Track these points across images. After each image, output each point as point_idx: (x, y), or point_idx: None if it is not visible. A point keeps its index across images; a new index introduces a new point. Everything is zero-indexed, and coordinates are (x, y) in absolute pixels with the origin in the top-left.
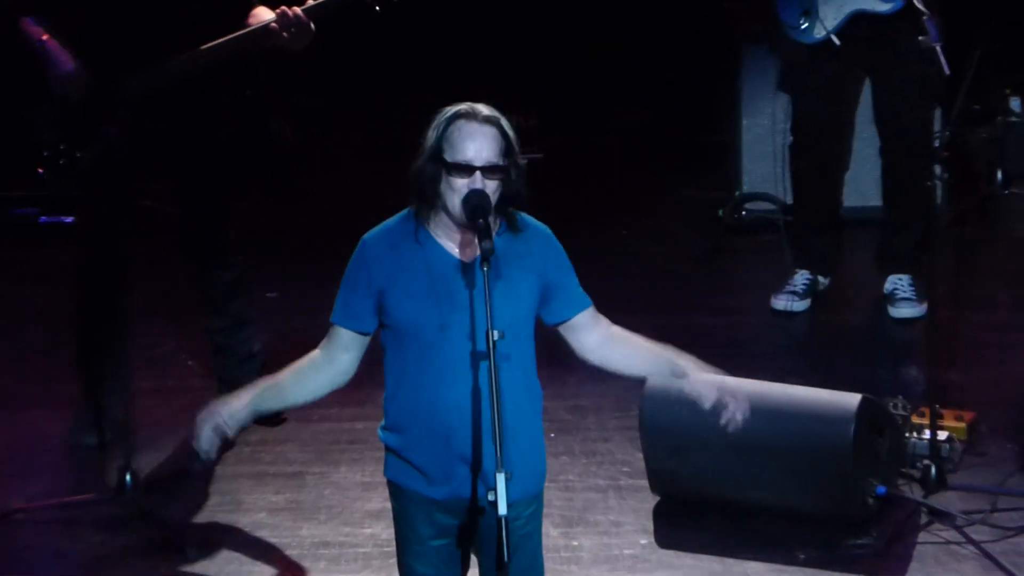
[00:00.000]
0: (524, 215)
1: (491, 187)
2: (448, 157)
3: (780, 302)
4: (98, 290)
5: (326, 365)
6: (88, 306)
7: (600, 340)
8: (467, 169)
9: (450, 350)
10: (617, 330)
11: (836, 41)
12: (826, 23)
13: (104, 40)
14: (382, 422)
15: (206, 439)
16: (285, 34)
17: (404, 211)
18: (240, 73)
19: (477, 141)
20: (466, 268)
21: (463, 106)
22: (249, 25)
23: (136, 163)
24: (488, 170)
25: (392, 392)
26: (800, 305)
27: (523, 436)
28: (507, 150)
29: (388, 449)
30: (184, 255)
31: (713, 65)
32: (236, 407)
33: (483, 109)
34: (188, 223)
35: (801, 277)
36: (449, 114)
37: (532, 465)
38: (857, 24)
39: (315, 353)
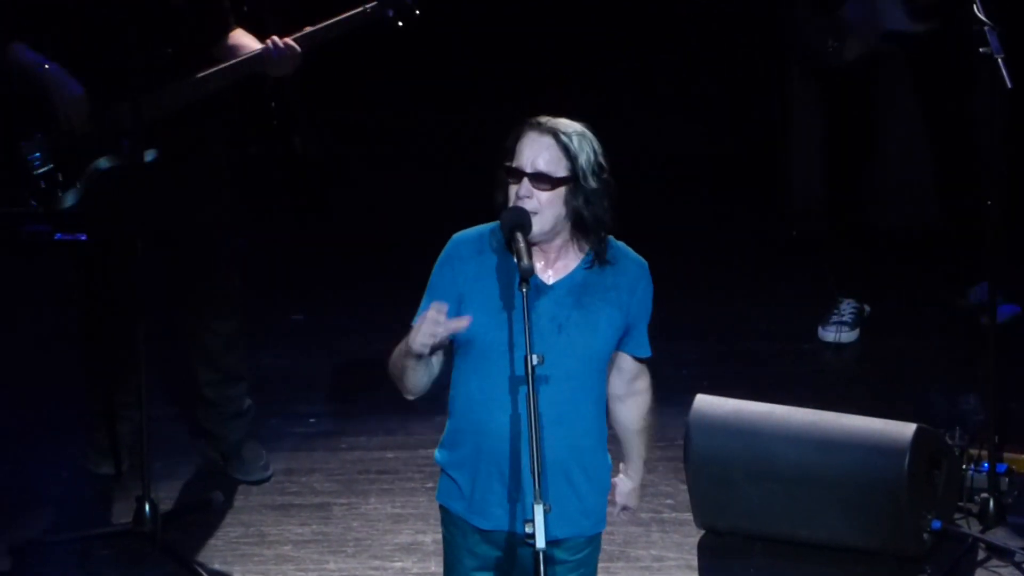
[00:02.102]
0: (622, 245)
1: (543, 199)
2: (507, 160)
3: (829, 333)
4: (106, 313)
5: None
6: (93, 331)
7: (622, 393)
8: (516, 174)
9: (512, 371)
10: (641, 399)
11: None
12: (855, 44)
13: (95, 67)
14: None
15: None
16: (267, 65)
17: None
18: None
19: (531, 148)
20: (543, 289)
21: (541, 117)
22: (230, 49)
23: (153, 183)
24: (536, 178)
25: (451, 408)
26: (850, 336)
27: (581, 474)
28: (572, 165)
29: (441, 470)
30: (180, 301)
31: (766, 75)
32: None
33: (550, 119)
34: (189, 268)
35: (848, 306)
36: (523, 123)
37: (589, 506)
38: (891, 43)
39: None
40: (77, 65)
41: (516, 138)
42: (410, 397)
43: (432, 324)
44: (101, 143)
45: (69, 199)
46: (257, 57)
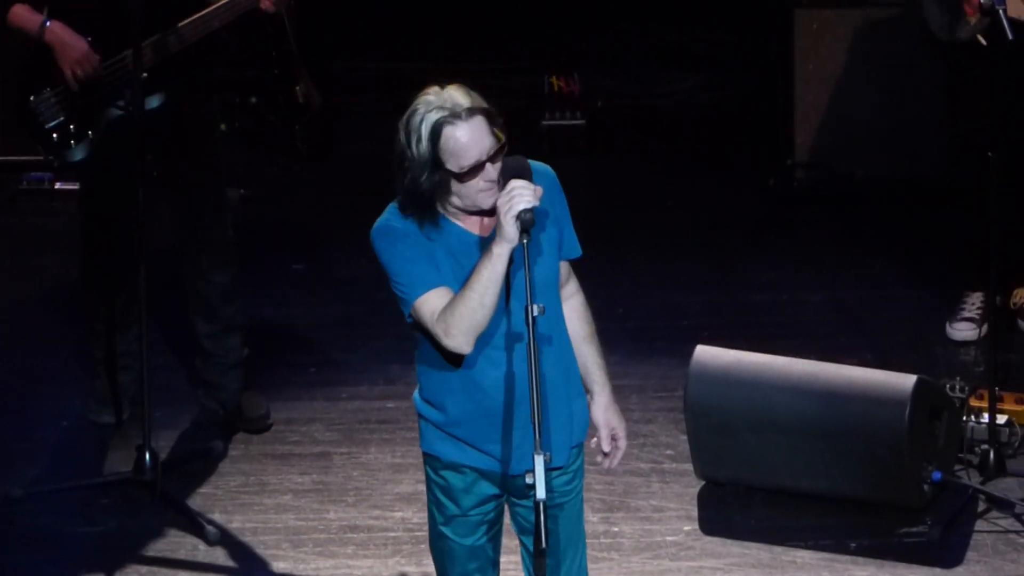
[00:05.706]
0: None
1: (499, 165)
2: (453, 166)
3: (964, 332)
4: (107, 261)
5: None
6: (94, 278)
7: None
8: (478, 167)
9: (491, 329)
10: (574, 302)
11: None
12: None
13: (101, 14)
14: (417, 391)
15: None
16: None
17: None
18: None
19: (473, 139)
20: (487, 244)
21: (441, 110)
22: None
23: (147, 129)
24: (494, 155)
25: (429, 369)
26: (978, 333)
27: (573, 388)
28: (492, 122)
29: (424, 419)
30: (180, 251)
31: (766, 27)
32: None
33: (460, 100)
34: (187, 216)
35: (977, 299)
36: (432, 123)
37: (582, 415)
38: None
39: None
40: (79, 16)
41: (443, 142)
42: (472, 340)
43: (523, 189)
44: (111, 92)
45: (82, 151)
46: None
